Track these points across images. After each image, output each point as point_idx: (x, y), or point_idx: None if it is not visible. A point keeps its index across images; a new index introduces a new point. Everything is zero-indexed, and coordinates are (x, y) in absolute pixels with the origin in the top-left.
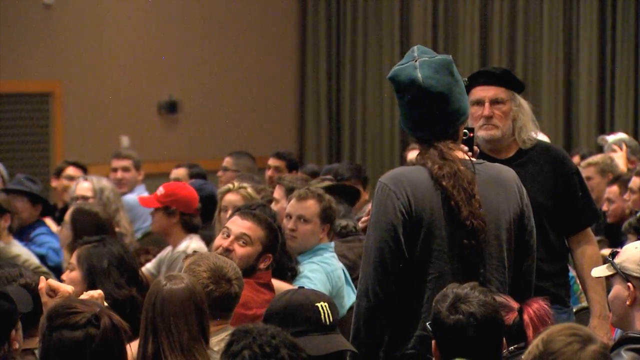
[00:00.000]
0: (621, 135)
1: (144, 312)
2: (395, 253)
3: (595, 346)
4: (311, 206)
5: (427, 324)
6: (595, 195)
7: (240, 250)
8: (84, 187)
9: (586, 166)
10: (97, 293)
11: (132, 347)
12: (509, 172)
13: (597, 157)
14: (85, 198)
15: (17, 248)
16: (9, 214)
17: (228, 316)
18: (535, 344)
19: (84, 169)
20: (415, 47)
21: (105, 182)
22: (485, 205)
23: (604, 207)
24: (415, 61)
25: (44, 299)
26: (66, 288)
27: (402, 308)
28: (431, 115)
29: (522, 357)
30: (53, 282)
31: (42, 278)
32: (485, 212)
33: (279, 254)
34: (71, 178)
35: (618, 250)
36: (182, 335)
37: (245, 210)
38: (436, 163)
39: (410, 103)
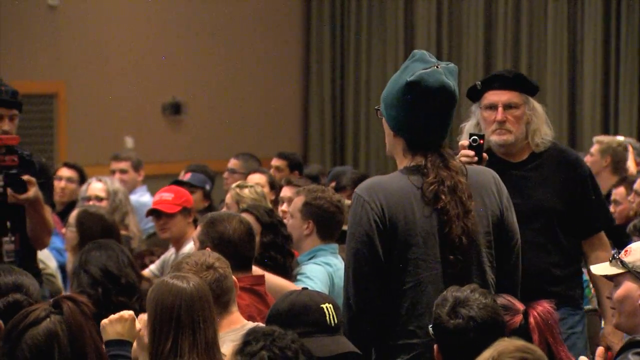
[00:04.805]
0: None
1: (159, 312)
2: (372, 263)
3: None
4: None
5: (430, 327)
6: None
7: None
8: (97, 187)
9: (595, 142)
10: (128, 314)
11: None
12: (487, 174)
13: (607, 138)
14: (99, 199)
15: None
16: None
17: (226, 309)
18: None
19: (80, 171)
20: (425, 53)
21: (117, 184)
22: None
23: (611, 209)
24: (438, 67)
25: None
26: None
27: (384, 317)
28: (447, 122)
29: None
30: None
31: None
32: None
33: (281, 252)
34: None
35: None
36: (209, 330)
37: None
38: (438, 175)
39: (434, 109)
